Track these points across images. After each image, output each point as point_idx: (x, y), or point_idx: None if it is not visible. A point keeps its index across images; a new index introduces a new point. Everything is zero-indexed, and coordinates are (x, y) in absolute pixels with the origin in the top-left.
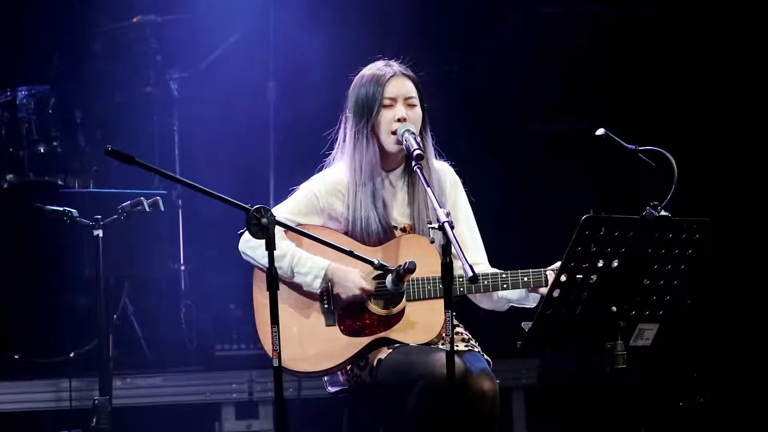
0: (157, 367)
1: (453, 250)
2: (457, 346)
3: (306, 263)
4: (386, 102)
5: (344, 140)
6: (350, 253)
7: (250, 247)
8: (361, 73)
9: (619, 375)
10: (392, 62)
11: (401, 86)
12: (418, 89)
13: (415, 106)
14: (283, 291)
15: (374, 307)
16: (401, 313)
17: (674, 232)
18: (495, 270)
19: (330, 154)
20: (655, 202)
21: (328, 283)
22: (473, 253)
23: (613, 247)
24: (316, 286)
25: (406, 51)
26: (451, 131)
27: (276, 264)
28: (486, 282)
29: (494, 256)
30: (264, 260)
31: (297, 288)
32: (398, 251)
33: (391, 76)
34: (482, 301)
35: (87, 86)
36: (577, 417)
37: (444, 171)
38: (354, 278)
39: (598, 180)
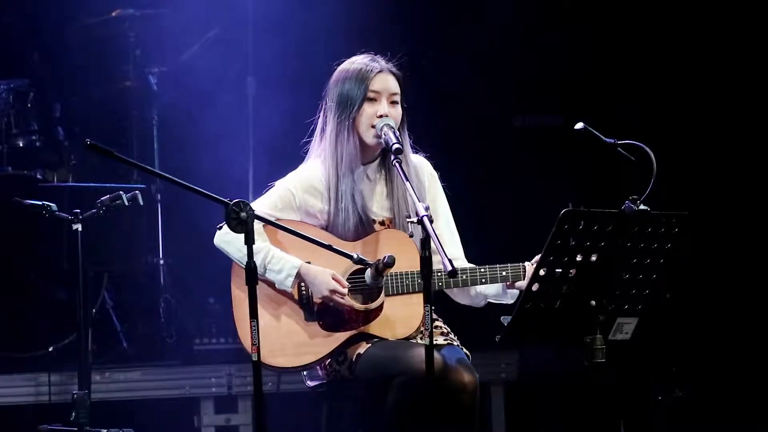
0: (136, 361)
1: (432, 244)
2: (436, 340)
3: (279, 262)
4: (371, 95)
5: (323, 130)
6: (329, 247)
7: (226, 241)
8: (345, 63)
9: (597, 369)
10: (378, 57)
11: (386, 82)
12: (401, 88)
13: (397, 103)
14: (262, 287)
15: (353, 302)
16: (380, 307)
17: (653, 226)
18: (473, 265)
19: (309, 141)
20: (634, 196)
21: (302, 282)
22: (451, 248)
23: (592, 241)
24: (288, 284)
25: (383, 45)
26: (429, 127)
27: None
28: (465, 276)
29: (472, 251)
30: (238, 254)
31: (273, 284)
32: (377, 245)
33: (378, 72)
34: (459, 296)
35: (66, 80)
36: (556, 411)
37: (421, 165)
38: (324, 279)
39: (576, 174)
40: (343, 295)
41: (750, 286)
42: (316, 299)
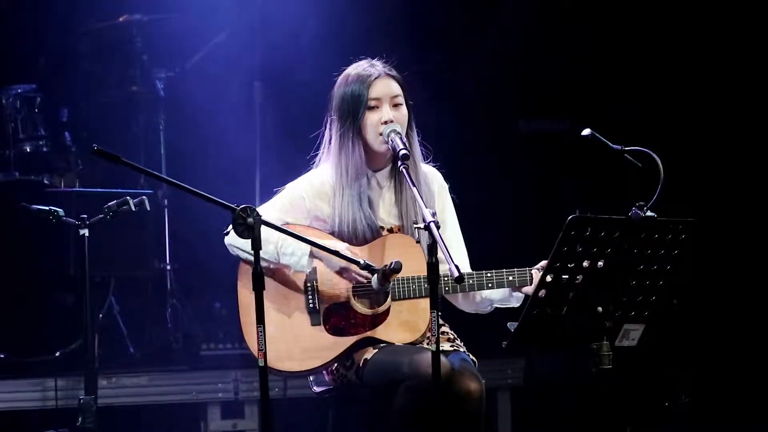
0: (143, 366)
1: (439, 250)
2: (442, 346)
3: (291, 245)
4: (371, 104)
5: (329, 142)
6: (336, 253)
7: (240, 241)
8: (344, 73)
9: (604, 375)
10: (376, 62)
11: (386, 87)
12: (402, 88)
13: (401, 105)
14: (269, 291)
15: (359, 307)
16: (386, 312)
17: (660, 232)
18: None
19: (316, 155)
20: (641, 203)
21: (315, 268)
22: (457, 259)
23: (599, 248)
24: (305, 263)
25: (391, 50)
26: (436, 130)
27: (263, 250)
28: (471, 281)
29: (479, 255)
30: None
31: (283, 285)
32: (384, 251)
33: (376, 78)
34: (464, 304)
35: (73, 85)
36: (563, 417)
37: (432, 175)
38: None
39: (583, 180)
40: (355, 271)
41: (750, 286)
42: (326, 288)
